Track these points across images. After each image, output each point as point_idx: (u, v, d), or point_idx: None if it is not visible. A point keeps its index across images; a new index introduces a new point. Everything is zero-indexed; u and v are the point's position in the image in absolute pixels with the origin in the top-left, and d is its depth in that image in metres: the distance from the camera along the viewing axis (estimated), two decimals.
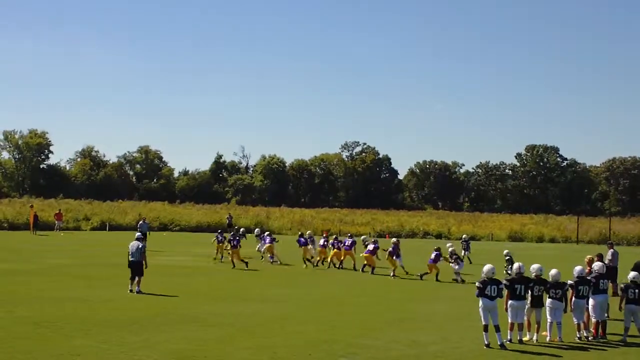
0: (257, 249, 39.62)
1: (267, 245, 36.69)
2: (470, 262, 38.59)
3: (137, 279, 24.04)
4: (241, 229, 42.02)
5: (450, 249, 31.92)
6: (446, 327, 18.72)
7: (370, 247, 33.37)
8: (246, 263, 33.44)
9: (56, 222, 59.58)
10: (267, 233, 38.75)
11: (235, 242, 34.37)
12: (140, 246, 24.42)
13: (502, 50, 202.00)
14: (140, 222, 46.88)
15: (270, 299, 23.49)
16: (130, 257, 24.21)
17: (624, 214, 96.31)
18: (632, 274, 18.05)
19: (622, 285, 17.92)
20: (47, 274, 29.30)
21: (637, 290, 17.57)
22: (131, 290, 23.88)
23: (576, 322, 17.38)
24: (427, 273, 31.00)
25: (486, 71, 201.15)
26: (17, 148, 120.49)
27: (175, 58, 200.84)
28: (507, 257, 32.90)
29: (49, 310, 19.76)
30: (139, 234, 26.54)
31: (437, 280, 30.33)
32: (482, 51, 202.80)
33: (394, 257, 32.16)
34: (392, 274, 31.59)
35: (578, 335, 17.37)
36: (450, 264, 31.08)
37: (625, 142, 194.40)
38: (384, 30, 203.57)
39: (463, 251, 40.52)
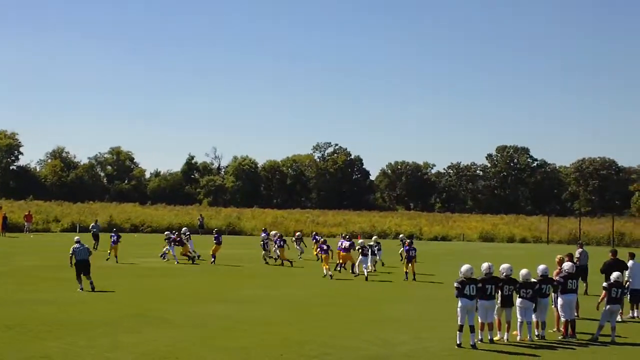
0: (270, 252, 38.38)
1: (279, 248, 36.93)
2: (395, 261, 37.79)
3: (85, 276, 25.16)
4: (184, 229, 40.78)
5: (361, 243, 32.83)
6: (418, 327, 18.79)
7: (346, 244, 33.24)
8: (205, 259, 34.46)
9: (26, 223, 58.97)
10: (278, 235, 38.41)
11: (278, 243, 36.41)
12: (86, 247, 25.95)
13: (473, 50, 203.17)
14: (93, 224, 47.45)
15: (244, 300, 23.48)
16: (76, 257, 25.21)
17: (593, 214, 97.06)
18: (615, 274, 18.22)
19: (605, 285, 18.07)
20: (16, 275, 29.11)
21: (619, 290, 17.80)
22: (82, 289, 24.83)
23: (535, 320, 17.54)
24: (340, 264, 33.17)
25: (457, 71, 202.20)
26: None
27: (146, 58, 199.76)
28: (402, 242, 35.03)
29: (18, 312, 19.65)
30: (77, 237, 27.01)
31: (352, 272, 32.43)
32: (452, 51, 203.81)
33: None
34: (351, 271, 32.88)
35: (536, 333, 17.54)
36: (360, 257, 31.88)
37: (594, 143, 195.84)
38: (356, 30, 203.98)
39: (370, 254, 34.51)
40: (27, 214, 61.04)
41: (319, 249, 34.78)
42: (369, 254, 32.44)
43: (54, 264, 34.17)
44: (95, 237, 44.06)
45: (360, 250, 31.94)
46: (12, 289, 24.87)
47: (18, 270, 30.96)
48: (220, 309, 21.30)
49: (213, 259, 35.96)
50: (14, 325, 17.61)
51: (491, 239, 68.22)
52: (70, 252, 25.42)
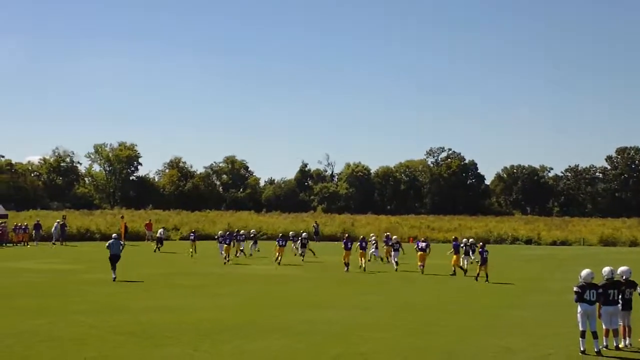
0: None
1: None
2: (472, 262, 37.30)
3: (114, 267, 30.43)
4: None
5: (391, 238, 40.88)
6: (538, 334, 18.36)
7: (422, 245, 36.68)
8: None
9: (147, 232, 60.67)
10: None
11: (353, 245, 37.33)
12: (121, 244, 31.90)
13: (591, 49, 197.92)
14: (161, 230, 53.47)
15: (357, 306, 23.46)
16: (111, 250, 30.54)
17: None
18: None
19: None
20: (138, 283, 29.88)
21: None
22: (115, 278, 29.89)
23: None
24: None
25: (573, 71, 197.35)
26: (108, 160, 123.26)
27: (257, 70, 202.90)
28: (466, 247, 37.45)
29: (141, 319, 20.12)
30: (115, 234, 34.34)
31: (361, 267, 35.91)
32: (570, 49, 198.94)
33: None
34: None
35: None
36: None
37: None
38: (468, 34, 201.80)
39: (470, 254, 38.06)
40: (147, 222, 62.80)
41: (358, 246, 37.32)
42: (399, 249, 38.63)
43: (174, 271, 35.04)
44: (160, 241, 50.23)
45: (392, 246, 39.02)
46: (135, 296, 25.53)
47: (140, 278, 31.77)
48: (335, 315, 21.30)
49: (346, 267, 36.11)
50: (137, 331, 18.03)
51: (613, 243, 66.24)
52: (107, 246, 30.96)
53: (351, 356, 15.41)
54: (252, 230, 53.73)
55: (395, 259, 37.77)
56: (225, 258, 39.99)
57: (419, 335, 17.98)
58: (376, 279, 32.97)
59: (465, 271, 34.78)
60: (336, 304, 24.08)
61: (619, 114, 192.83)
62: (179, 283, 30.00)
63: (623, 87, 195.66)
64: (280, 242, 40.57)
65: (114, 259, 30.47)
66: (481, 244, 34.15)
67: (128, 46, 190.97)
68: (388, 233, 45.48)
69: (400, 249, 38.67)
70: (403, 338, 17.62)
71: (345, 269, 35.74)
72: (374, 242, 43.40)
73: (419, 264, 35.56)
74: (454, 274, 34.61)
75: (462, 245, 37.04)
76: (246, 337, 17.35)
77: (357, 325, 19.59)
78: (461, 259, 35.83)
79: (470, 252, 37.90)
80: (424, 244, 36.52)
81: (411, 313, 22.24)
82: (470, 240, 41.11)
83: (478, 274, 32.03)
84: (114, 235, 33.43)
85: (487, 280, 31.46)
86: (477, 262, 33.25)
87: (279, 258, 39.86)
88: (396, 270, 36.38)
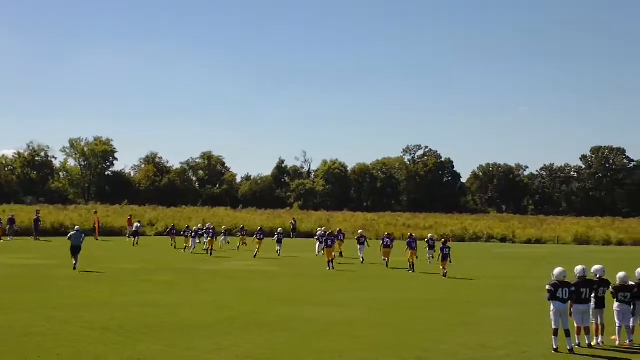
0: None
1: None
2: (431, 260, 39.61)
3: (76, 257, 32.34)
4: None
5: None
6: (514, 331, 18.48)
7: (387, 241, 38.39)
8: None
9: (128, 227, 60.07)
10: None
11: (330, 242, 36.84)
12: (82, 235, 33.37)
13: (567, 48, 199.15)
14: (137, 224, 55.83)
15: (337, 303, 23.51)
16: (72, 242, 32.42)
17: None
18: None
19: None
20: (114, 278, 29.74)
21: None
22: (75, 267, 31.89)
23: (633, 325, 16.98)
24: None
25: (548, 71, 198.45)
26: (83, 155, 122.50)
27: (237, 65, 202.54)
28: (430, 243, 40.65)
29: (116, 314, 20.03)
30: (77, 226, 36.44)
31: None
32: (544, 52, 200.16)
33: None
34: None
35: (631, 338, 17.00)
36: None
37: None
38: (446, 35, 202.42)
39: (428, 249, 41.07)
40: (129, 218, 62.23)
41: (323, 243, 39.27)
42: (365, 242, 40.94)
43: (151, 267, 34.91)
44: (136, 235, 52.90)
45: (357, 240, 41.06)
46: (110, 291, 25.40)
47: (115, 273, 31.65)
48: (312, 312, 21.35)
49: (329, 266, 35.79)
50: (112, 327, 17.94)
51: (586, 242, 66.80)
52: (68, 237, 33.21)
53: (328, 353, 15.42)
54: (223, 227, 54.53)
55: (361, 254, 39.81)
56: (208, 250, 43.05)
57: (395, 332, 18.03)
58: (353, 276, 33.03)
59: (413, 266, 35.26)
60: (313, 301, 24.12)
61: (594, 113, 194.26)
62: (157, 279, 29.88)
63: (598, 87, 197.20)
64: (258, 235, 43.13)
65: (75, 249, 32.34)
66: (443, 240, 35.22)
67: (103, 42, 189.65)
68: (361, 231, 45.73)
69: (365, 242, 40.96)
70: (380, 335, 17.66)
71: (328, 267, 35.38)
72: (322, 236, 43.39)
73: (383, 258, 37.61)
74: (412, 269, 35.02)
75: (425, 240, 41.42)
76: (224, 334, 17.31)
77: (335, 321, 19.62)
78: (415, 256, 36.15)
79: (428, 248, 40.77)
80: (389, 240, 38.19)
81: (388, 310, 22.31)
82: (429, 235, 43.35)
83: (444, 271, 32.76)
84: (76, 227, 35.72)
85: (444, 276, 32.34)
86: (438, 258, 34.30)
87: (257, 251, 41.65)
88: (362, 262, 38.93)
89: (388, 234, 40.01)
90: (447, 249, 33.23)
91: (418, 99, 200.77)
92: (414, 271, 34.78)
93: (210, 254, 42.27)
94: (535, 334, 17.86)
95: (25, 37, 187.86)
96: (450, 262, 33.39)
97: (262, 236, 43.24)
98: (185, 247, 45.79)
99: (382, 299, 24.98)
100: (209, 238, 43.95)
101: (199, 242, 47.67)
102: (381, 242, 38.82)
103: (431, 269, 35.58)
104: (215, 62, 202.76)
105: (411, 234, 38.68)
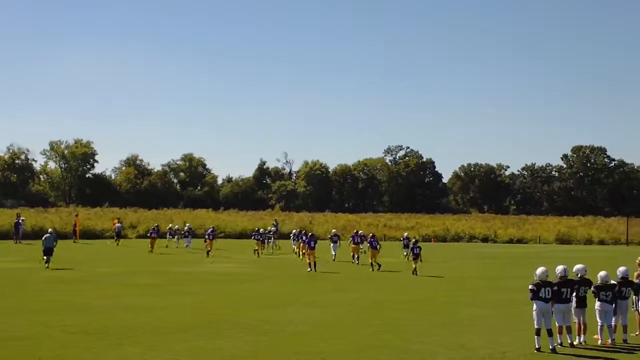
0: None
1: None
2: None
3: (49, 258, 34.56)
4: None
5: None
6: (495, 331, 18.49)
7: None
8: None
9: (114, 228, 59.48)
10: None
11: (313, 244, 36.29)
12: (55, 238, 36.05)
13: (549, 48, 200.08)
14: (119, 225, 57.26)
15: (318, 304, 23.46)
16: (44, 244, 34.92)
17: None
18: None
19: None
20: (94, 282, 29.57)
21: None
22: (47, 266, 33.92)
23: (615, 324, 17.04)
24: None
25: (530, 71, 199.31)
26: (63, 158, 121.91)
27: (214, 66, 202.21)
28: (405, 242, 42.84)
29: (96, 318, 19.89)
30: (51, 229, 38.63)
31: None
32: (528, 48, 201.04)
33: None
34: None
35: (623, 338, 17.04)
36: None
37: None
38: (428, 36, 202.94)
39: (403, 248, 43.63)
40: (114, 221, 61.65)
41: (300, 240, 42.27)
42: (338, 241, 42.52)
43: (131, 270, 34.75)
44: (118, 235, 55.25)
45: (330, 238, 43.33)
46: (90, 295, 25.24)
47: (96, 277, 31.48)
48: (294, 313, 21.29)
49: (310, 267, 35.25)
50: (92, 330, 17.81)
51: (568, 241, 67.16)
52: (42, 239, 35.71)
53: (310, 355, 15.37)
54: (187, 224, 55.39)
55: (334, 252, 41.60)
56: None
57: (376, 334, 17.99)
58: (334, 277, 33.01)
59: (379, 266, 35.75)
60: (295, 302, 24.04)
61: (575, 112, 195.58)
62: (137, 282, 29.74)
63: (579, 87, 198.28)
64: (256, 236, 45.59)
65: (47, 251, 34.76)
66: (414, 240, 37.73)
67: (84, 43, 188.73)
68: (335, 230, 48.01)
69: (338, 241, 42.75)
70: (361, 336, 17.62)
71: (309, 269, 34.95)
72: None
73: (352, 254, 39.72)
74: (378, 268, 35.66)
75: (401, 239, 44.82)
76: (205, 337, 17.23)
77: (316, 323, 19.55)
78: (376, 256, 36.77)
79: (403, 247, 43.47)
80: (359, 239, 40.61)
81: (369, 311, 22.29)
82: (405, 234, 46.27)
83: (414, 269, 33.84)
84: (49, 230, 38.47)
85: (414, 273, 33.44)
86: (410, 257, 36.07)
87: (258, 251, 44.83)
88: (334, 260, 40.61)
89: (373, 235, 39.99)
90: (418, 249, 34.38)
91: (399, 99, 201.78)
92: (358, 263, 38.61)
93: (208, 255, 43.32)
94: (516, 334, 17.87)
95: (4, 38, 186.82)
96: (420, 260, 34.10)
97: (213, 237, 45.59)
98: (167, 246, 48.28)
99: (363, 300, 24.97)
100: (208, 240, 45.21)
101: (179, 245, 51.08)
102: (351, 239, 40.79)
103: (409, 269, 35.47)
104: (195, 63, 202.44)
105: (373, 234, 39.94)
